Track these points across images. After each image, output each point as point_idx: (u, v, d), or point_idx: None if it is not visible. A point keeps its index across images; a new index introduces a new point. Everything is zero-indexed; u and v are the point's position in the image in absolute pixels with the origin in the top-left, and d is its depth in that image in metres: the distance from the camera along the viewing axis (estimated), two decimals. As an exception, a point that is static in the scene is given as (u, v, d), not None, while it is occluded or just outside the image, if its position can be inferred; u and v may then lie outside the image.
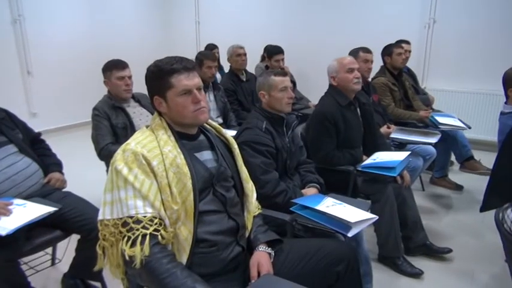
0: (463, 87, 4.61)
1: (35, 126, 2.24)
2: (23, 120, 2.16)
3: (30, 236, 1.79)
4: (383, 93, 3.32)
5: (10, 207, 1.69)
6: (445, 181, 3.54)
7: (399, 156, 2.28)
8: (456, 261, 2.40)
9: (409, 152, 2.36)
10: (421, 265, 2.29)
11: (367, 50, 2.95)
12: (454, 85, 4.68)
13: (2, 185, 1.81)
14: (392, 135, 2.89)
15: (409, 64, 3.88)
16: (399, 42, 3.64)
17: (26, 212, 1.69)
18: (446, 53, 4.72)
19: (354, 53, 2.91)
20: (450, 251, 2.40)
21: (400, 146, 2.96)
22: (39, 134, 2.22)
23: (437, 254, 2.41)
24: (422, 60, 4.84)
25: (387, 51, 3.45)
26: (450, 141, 3.30)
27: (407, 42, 3.75)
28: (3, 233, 1.53)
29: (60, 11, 5.61)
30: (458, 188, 3.48)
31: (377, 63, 3.47)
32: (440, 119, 3.11)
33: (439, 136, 2.82)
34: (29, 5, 5.22)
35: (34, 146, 2.12)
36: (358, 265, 1.51)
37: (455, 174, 3.61)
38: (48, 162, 2.10)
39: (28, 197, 1.85)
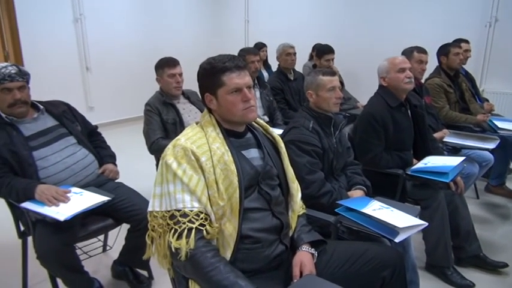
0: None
1: (92, 119, 2.37)
2: (81, 113, 2.29)
3: (85, 223, 1.91)
4: (437, 95, 3.17)
5: (68, 194, 1.80)
6: (502, 189, 3.33)
7: (453, 161, 2.17)
8: (512, 275, 2.25)
9: (463, 158, 2.24)
10: (473, 277, 2.18)
11: (422, 50, 2.83)
12: (516, 88, 4.39)
13: (63, 173, 1.93)
14: (445, 139, 2.76)
15: (467, 65, 3.67)
16: (457, 42, 3.46)
17: (82, 200, 1.80)
18: (508, 53, 4.42)
19: (408, 52, 2.80)
20: (506, 265, 2.26)
21: (454, 150, 2.82)
22: (96, 127, 2.34)
23: (491, 267, 2.27)
24: (481, 61, 4.57)
25: (443, 50, 3.29)
26: (509, 147, 3.10)
27: (467, 42, 3.55)
28: (62, 218, 1.64)
29: (117, 11, 5.90)
30: (517, 197, 3.26)
31: (432, 65, 3.34)
32: (499, 124, 2.93)
33: (497, 142, 2.65)
34: (90, 4, 5.53)
35: (91, 138, 2.24)
36: (404, 272, 1.46)
37: (514, 183, 3.39)
38: (103, 154, 2.21)
39: (84, 186, 1.96)
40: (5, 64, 1.89)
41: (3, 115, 1.91)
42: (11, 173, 1.85)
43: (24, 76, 1.93)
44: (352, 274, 1.40)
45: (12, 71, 1.87)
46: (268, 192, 1.37)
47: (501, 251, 2.49)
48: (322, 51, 3.91)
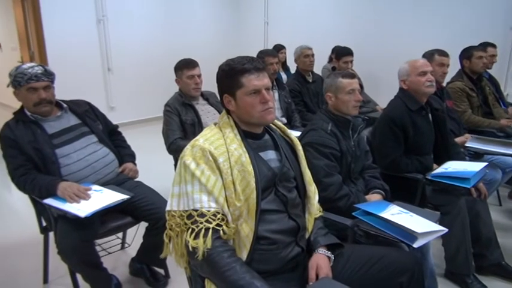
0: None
1: (113, 119, 2.41)
2: (103, 112, 2.34)
3: (104, 220, 1.95)
4: (459, 99, 3.11)
5: (89, 192, 1.84)
6: (526, 197, 3.23)
7: (474, 166, 2.12)
8: (535, 285, 2.18)
9: (486, 163, 2.19)
10: (494, 286, 2.13)
11: (443, 53, 2.77)
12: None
13: (84, 171, 1.97)
14: (467, 144, 2.70)
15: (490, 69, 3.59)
16: (484, 45, 3.38)
17: (103, 197, 1.83)
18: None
19: (429, 55, 2.76)
20: (529, 274, 2.20)
21: (476, 156, 2.75)
22: (116, 126, 2.38)
23: (513, 276, 2.21)
24: (506, 65, 4.45)
25: (466, 54, 3.22)
26: (535, 154, 3.00)
27: (494, 46, 3.47)
28: (83, 215, 1.68)
29: (139, 13, 6.00)
30: (542, 205, 3.16)
31: (454, 68, 3.27)
32: (524, 129, 2.85)
33: (522, 147, 2.58)
34: (112, 6, 5.64)
35: (112, 137, 2.28)
36: (423, 278, 1.44)
37: (539, 190, 3.28)
38: (124, 152, 2.25)
39: (105, 183, 2.00)
40: (31, 64, 1.95)
41: (29, 113, 1.97)
42: (34, 169, 1.90)
43: (50, 76, 1.98)
44: (368, 279, 1.38)
45: (39, 71, 1.92)
46: (285, 194, 1.37)
47: (524, 260, 2.42)
48: (340, 53, 3.90)
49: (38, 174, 1.89)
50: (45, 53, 5.23)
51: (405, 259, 1.43)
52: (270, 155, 1.41)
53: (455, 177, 2.03)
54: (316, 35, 5.78)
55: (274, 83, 3.35)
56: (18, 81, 1.90)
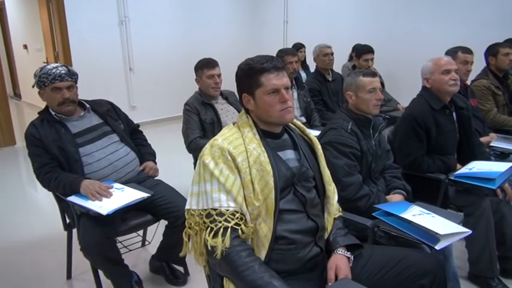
0: None
1: (134, 118, 2.45)
2: (124, 112, 2.38)
3: (125, 218, 1.98)
4: (484, 98, 3.02)
5: (111, 190, 1.88)
6: (555, 199, 3.12)
7: (500, 167, 2.06)
8: None
9: (511, 163, 2.13)
10: (520, 290, 2.06)
11: (467, 51, 2.70)
12: None
13: (106, 169, 2.01)
14: (493, 144, 2.63)
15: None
16: (510, 42, 3.27)
17: (124, 195, 1.87)
18: None
19: (452, 53, 2.69)
20: (556, 278, 2.12)
21: (502, 156, 2.68)
22: (138, 125, 2.42)
23: (541, 280, 2.14)
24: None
25: (492, 51, 3.13)
26: None
27: None
28: (105, 212, 1.71)
29: (159, 14, 6.08)
30: None
31: (479, 66, 3.18)
32: (552, 128, 2.75)
33: (550, 148, 2.49)
34: (134, 7, 5.74)
35: (133, 136, 2.32)
36: (445, 281, 1.40)
37: None
38: (144, 151, 2.29)
39: (126, 182, 2.04)
40: (55, 65, 2.00)
41: (53, 113, 2.02)
42: (58, 168, 1.95)
43: (73, 76, 2.02)
44: (389, 280, 1.36)
45: (62, 71, 1.97)
46: (304, 194, 1.37)
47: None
48: (361, 51, 3.84)
49: (61, 172, 1.93)
50: (69, 53, 5.36)
51: (427, 261, 1.40)
52: (288, 155, 1.40)
53: (480, 178, 1.98)
54: (336, 33, 5.73)
55: (293, 82, 3.33)
56: (43, 81, 1.95)
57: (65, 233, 2.16)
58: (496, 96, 3.06)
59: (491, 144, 2.63)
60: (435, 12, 4.96)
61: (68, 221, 2.12)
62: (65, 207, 2.05)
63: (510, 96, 3.18)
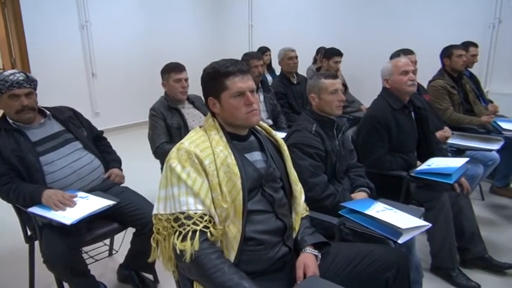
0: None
1: (98, 125, 2.39)
2: (87, 118, 2.32)
3: (91, 227, 1.93)
4: (440, 97, 3.17)
5: (74, 199, 1.83)
6: (507, 190, 3.32)
7: (456, 162, 2.17)
8: (518, 276, 2.24)
9: (467, 159, 2.24)
10: (478, 278, 2.17)
11: (408, 52, 2.88)
12: (521, 89, 4.37)
13: (69, 178, 1.96)
14: (450, 141, 2.76)
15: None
16: (466, 45, 3.46)
17: (89, 204, 1.82)
18: (512, 54, 4.42)
19: (395, 56, 2.83)
20: (511, 267, 2.25)
21: (458, 152, 2.82)
22: (102, 132, 2.37)
23: (497, 268, 2.26)
24: (486, 62, 4.56)
25: (446, 52, 3.29)
26: (515, 148, 3.09)
27: (475, 46, 3.55)
28: (69, 222, 1.66)
29: (122, 17, 5.96)
30: (523, 198, 3.25)
31: (437, 66, 3.34)
32: (503, 125, 2.93)
33: (501, 143, 2.65)
34: (95, 11, 5.60)
35: (97, 143, 2.26)
36: (408, 272, 1.46)
37: (520, 184, 3.37)
38: (109, 158, 2.24)
39: (90, 190, 1.99)
40: (13, 71, 1.93)
41: (11, 121, 1.94)
42: (18, 178, 1.88)
43: (32, 83, 1.96)
44: (355, 275, 1.40)
45: (20, 78, 1.90)
46: (272, 194, 1.39)
47: (506, 252, 2.48)
48: (331, 53, 3.95)
49: (21, 183, 1.86)
50: (27, 60, 5.15)
51: (391, 255, 1.46)
52: (255, 156, 1.42)
53: (438, 173, 2.08)
54: (300, 37, 5.83)
55: (260, 85, 3.37)
56: (0, 88, 1.87)
57: (27, 245, 2.08)
58: (452, 96, 3.21)
59: (449, 141, 2.76)
60: (395, 16, 5.16)
61: (29, 233, 2.03)
62: (26, 219, 1.97)
63: (465, 95, 3.35)
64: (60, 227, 1.71)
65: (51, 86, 4.93)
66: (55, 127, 2.05)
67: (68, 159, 1.99)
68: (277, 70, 4.57)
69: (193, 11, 6.93)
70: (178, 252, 1.21)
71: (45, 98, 2.40)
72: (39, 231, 1.84)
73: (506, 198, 3.29)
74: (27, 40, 5.09)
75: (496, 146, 2.62)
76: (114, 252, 2.52)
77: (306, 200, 1.57)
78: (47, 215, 1.74)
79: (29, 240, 2.04)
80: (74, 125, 2.14)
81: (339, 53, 3.96)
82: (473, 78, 3.68)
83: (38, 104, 2.02)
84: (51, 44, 5.26)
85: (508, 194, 3.31)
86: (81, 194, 1.90)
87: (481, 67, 4.47)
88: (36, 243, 1.94)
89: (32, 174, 1.88)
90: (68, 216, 1.71)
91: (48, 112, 2.07)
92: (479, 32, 4.51)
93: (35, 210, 1.78)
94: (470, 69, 3.69)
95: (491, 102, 3.76)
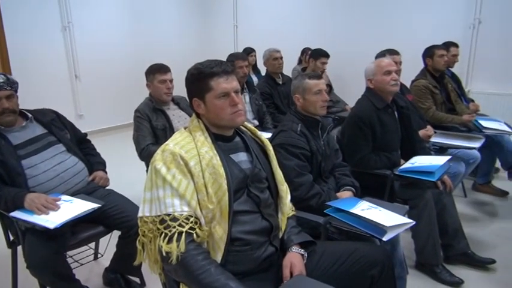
0: (510, 90, 4.39)
1: (81, 127, 2.36)
2: (70, 121, 2.29)
3: (75, 231, 1.90)
4: (423, 96, 3.22)
5: (58, 202, 1.80)
6: (489, 187, 3.39)
7: (439, 160, 2.22)
8: (499, 271, 2.29)
9: (449, 157, 2.29)
10: (462, 274, 2.21)
11: (394, 52, 2.93)
12: (500, 88, 4.49)
13: (52, 181, 1.92)
14: (433, 140, 2.81)
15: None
16: (447, 45, 3.52)
17: (72, 207, 1.79)
18: (492, 54, 4.52)
19: (380, 56, 2.87)
20: (493, 262, 2.30)
21: (441, 150, 2.87)
22: (85, 134, 2.34)
23: (479, 264, 2.31)
24: (467, 62, 4.66)
25: (428, 52, 3.35)
26: (495, 146, 3.16)
27: (456, 46, 3.62)
28: (52, 226, 1.63)
29: (105, 19, 5.89)
30: (503, 194, 3.33)
31: (420, 66, 3.40)
32: (484, 123, 2.99)
33: (482, 141, 2.71)
34: (77, 12, 5.52)
35: (81, 145, 2.23)
36: (393, 270, 1.48)
37: (500, 181, 3.45)
38: (93, 161, 2.21)
39: (74, 193, 1.96)
40: (-8, 73, 1.89)
41: (-9, 124, 1.90)
42: (-1, 182, 1.84)
43: (13, 85, 1.92)
44: (341, 273, 1.42)
45: (0, 80, 1.86)
46: (257, 194, 1.39)
47: (488, 248, 2.54)
48: (319, 54, 3.98)
49: (3, 187, 1.82)
50: (7, 61, 5.04)
51: (376, 253, 1.48)
52: (241, 157, 1.42)
53: (421, 172, 2.11)
54: (285, 37, 5.86)
55: (245, 86, 3.37)
56: (-21, 91, 1.83)
57: (9, 251, 2.03)
58: (434, 95, 3.27)
59: (432, 139, 2.80)
60: (379, 17, 5.22)
61: (11, 238, 1.99)
62: (8, 224, 1.93)
63: (447, 94, 3.42)
64: (43, 231, 1.68)
65: (33, 88, 4.85)
66: (37, 130, 2.02)
67: (51, 162, 1.96)
68: (263, 71, 4.58)
69: (177, 12, 6.90)
70: (164, 254, 1.20)
71: (28, 100, 2.36)
72: (21, 235, 1.80)
73: (487, 195, 3.36)
74: (8, 41, 4.99)
75: (477, 144, 2.68)
76: (99, 255, 2.49)
77: (291, 200, 1.58)
78: (29, 219, 1.70)
79: (12, 245, 2.00)
80: (56, 127, 2.11)
81: (326, 55, 4.00)
82: (454, 78, 3.76)
83: (20, 106, 1.99)
84: (32, 45, 5.17)
85: (489, 191, 3.38)
86: (64, 197, 1.87)
87: (461, 67, 4.56)
88: (19, 248, 1.91)
89: (14, 178, 1.85)
90: (51, 220, 1.68)
91: (30, 115, 2.03)
92: (459, 32, 4.61)
93: (17, 214, 1.75)
94: (451, 69, 3.77)
95: (473, 101, 3.84)
